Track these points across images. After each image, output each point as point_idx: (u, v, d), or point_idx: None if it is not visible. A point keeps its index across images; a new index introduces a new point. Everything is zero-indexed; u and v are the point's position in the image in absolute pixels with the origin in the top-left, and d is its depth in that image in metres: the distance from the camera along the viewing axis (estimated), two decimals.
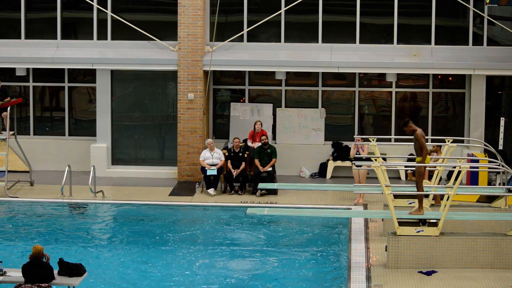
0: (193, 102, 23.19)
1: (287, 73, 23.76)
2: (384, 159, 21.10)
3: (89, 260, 16.72)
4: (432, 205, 17.80)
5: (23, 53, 23.76)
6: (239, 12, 23.69)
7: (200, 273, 16.35)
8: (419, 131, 16.26)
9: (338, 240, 18.44)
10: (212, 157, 22.12)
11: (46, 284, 13.28)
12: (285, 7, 23.44)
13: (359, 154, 20.84)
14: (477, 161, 20.03)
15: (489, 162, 19.01)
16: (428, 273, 15.67)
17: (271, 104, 24.22)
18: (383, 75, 23.76)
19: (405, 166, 21.31)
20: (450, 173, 21.02)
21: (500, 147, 22.44)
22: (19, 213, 20.59)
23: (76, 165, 23.76)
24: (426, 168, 16.88)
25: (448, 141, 18.35)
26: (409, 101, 24.11)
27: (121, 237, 18.88)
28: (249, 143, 22.92)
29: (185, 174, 23.29)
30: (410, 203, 17.77)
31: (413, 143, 16.57)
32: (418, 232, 15.98)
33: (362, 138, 20.88)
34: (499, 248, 15.78)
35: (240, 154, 22.29)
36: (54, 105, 25.06)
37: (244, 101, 24.36)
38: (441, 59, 23.00)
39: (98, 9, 23.74)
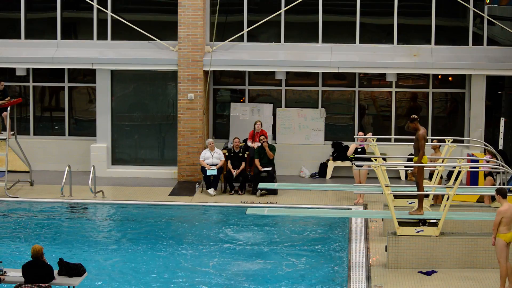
0: (193, 102, 23.19)
1: (287, 73, 23.76)
2: (384, 159, 21.10)
3: (89, 260, 16.72)
4: (432, 205, 17.81)
5: (23, 53, 23.76)
6: (239, 12, 23.69)
7: (200, 272, 16.35)
8: (422, 131, 16.26)
9: (338, 240, 18.44)
10: (212, 157, 22.12)
11: (46, 284, 13.28)
12: (285, 7, 23.44)
13: (361, 147, 20.90)
14: (477, 161, 20.03)
15: (488, 161, 19.04)
16: (428, 273, 15.68)
17: (271, 104, 24.22)
18: (383, 75, 23.76)
19: (405, 166, 21.31)
20: (450, 173, 21.03)
21: (500, 147, 22.44)
22: (19, 213, 20.59)
23: (76, 165, 23.75)
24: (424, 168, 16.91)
25: (448, 141, 18.36)
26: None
27: (121, 237, 18.87)
28: (249, 143, 22.92)
29: (185, 174, 23.29)
30: (410, 203, 17.77)
31: (413, 143, 16.60)
32: (418, 232, 15.98)
33: (364, 135, 20.94)
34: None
35: (240, 154, 22.30)
36: (54, 105, 25.06)
37: (244, 101, 24.36)
38: (441, 59, 23.00)
39: (98, 9, 23.74)
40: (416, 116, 16.59)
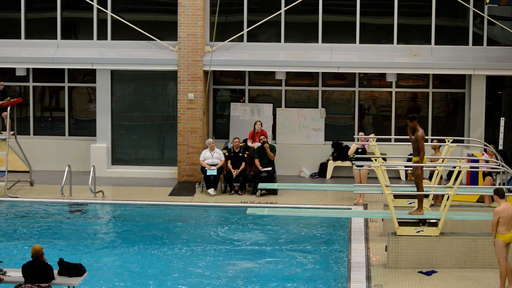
0: (193, 102, 23.19)
1: (287, 73, 23.76)
2: (384, 159, 21.10)
3: (89, 260, 16.72)
4: (432, 205, 17.80)
5: (23, 53, 23.76)
6: (239, 12, 23.70)
7: (200, 273, 16.35)
8: (421, 132, 16.27)
9: (338, 240, 18.44)
10: (212, 157, 22.12)
11: (46, 284, 13.28)
12: (285, 7, 23.44)
13: (362, 147, 20.89)
14: (477, 161, 20.03)
15: (488, 161, 19.06)
16: (428, 273, 15.68)
17: (271, 104, 24.22)
18: (383, 75, 23.76)
19: (405, 166, 21.31)
20: (450, 173, 21.03)
21: (500, 147, 22.44)
22: (19, 213, 20.59)
23: (76, 165, 23.76)
24: (424, 169, 16.92)
25: (448, 141, 18.36)
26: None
27: (121, 237, 18.87)
28: (249, 143, 22.92)
29: (185, 174, 23.29)
30: (410, 203, 17.77)
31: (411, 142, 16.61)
32: (418, 232, 15.98)
33: (364, 135, 20.96)
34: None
35: (240, 154, 22.29)
36: (54, 105, 25.06)
37: (244, 101, 24.36)
38: (441, 59, 23.00)
39: (98, 9, 23.74)
40: (416, 115, 16.57)
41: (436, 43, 23.38)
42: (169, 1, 23.80)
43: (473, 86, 23.41)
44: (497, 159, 18.95)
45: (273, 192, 21.82)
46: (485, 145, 20.04)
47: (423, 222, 16.13)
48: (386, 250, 16.11)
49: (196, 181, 22.91)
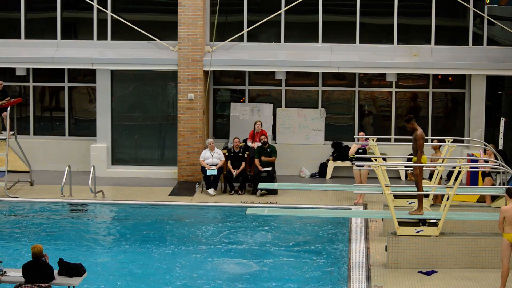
0: (193, 102, 23.19)
1: (287, 73, 23.76)
2: (384, 159, 21.10)
3: (89, 260, 16.72)
4: (432, 205, 17.81)
5: (23, 53, 23.76)
6: (239, 12, 23.70)
7: (200, 273, 16.35)
8: (420, 131, 16.27)
9: (338, 240, 18.44)
10: (212, 157, 22.13)
11: (46, 284, 13.28)
12: (285, 7, 23.44)
13: (364, 147, 20.90)
14: (477, 161, 20.03)
15: (487, 161, 19.06)
16: (428, 273, 15.68)
17: (271, 104, 24.22)
18: (383, 75, 23.76)
19: (405, 166, 21.32)
20: (450, 173, 21.03)
21: (500, 147, 22.44)
22: (19, 213, 20.59)
23: (76, 165, 23.76)
24: (424, 168, 16.92)
25: (448, 141, 18.36)
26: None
27: (120, 237, 18.87)
28: (249, 143, 22.92)
29: (185, 174, 23.29)
30: (410, 203, 17.77)
31: (411, 142, 16.61)
32: (418, 232, 15.99)
33: (364, 135, 20.97)
34: (499, 248, 15.75)
35: (240, 154, 22.30)
36: (54, 105, 25.06)
37: (244, 101, 24.36)
38: (441, 59, 23.01)
39: (98, 9, 23.75)
40: (411, 116, 16.53)
41: (436, 43, 23.38)
42: (169, 1, 23.80)
43: (473, 86, 23.41)
44: (497, 159, 18.95)
45: (273, 192, 21.82)
46: (485, 145, 20.05)
47: (423, 222, 16.13)
48: (386, 250, 16.11)
49: (196, 181, 22.91)
